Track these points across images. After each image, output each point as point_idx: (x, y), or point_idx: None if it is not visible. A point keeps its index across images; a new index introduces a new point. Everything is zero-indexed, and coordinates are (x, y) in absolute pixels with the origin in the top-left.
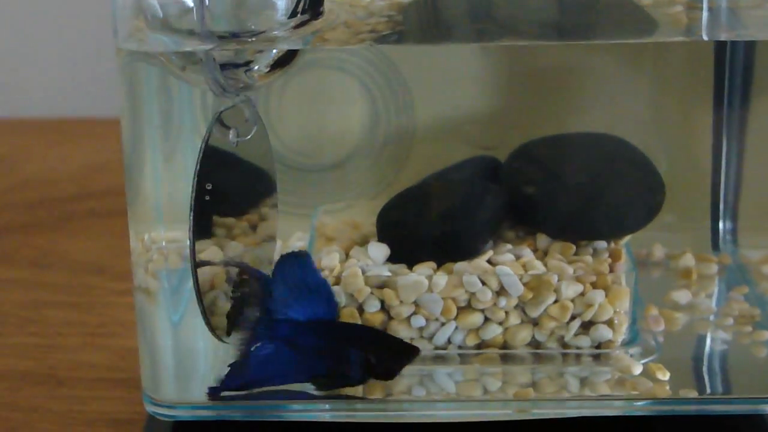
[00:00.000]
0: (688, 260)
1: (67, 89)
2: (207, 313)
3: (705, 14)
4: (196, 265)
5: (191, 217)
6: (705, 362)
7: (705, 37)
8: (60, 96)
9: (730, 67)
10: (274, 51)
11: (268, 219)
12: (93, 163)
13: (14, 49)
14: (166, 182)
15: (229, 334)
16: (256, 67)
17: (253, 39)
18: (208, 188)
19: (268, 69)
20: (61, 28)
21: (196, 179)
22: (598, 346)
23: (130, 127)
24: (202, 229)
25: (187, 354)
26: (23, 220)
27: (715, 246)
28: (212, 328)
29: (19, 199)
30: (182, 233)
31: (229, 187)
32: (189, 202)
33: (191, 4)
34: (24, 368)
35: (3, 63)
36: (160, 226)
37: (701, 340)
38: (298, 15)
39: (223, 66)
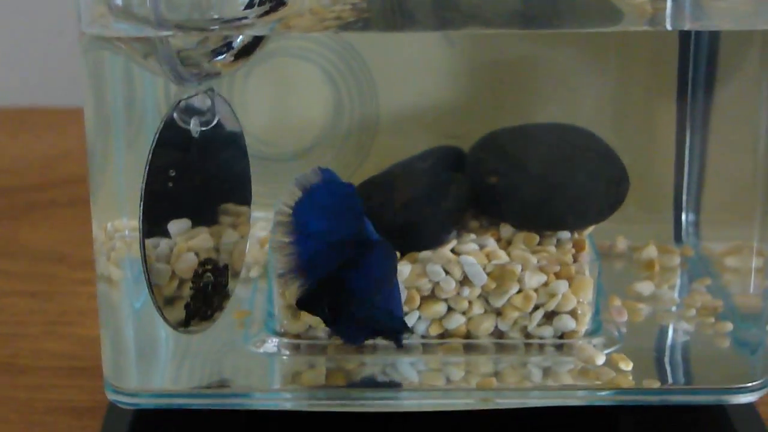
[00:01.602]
0: (651, 252)
1: (28, 79)
2: (160, 304)
3: (669, 4)
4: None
5: (141, 207)
6: (667, 353)
7: (669, 27)
8: (21, 86)
9: (694, 58)
10: (239, 39)
11: (238, 214)
12: (54, 152)
13: None
14: (129, 171)
15: (187, 325)
16: (222, 56)
17: (215, 27)
18: (172, 175)
19: (233, 58)
20: (22, 17)
21: (147, 168)
22: (561, 336)
23: (93, 115)
24: (160, 218)
25: (149, 342)
26: None
27: (678, 238)
28: (166, 318)
29: None
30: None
31: (191, 177)
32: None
33: None
34: None
35: None
36: (123, 215)
37: (664, 330)
38: (260, 4)
39: (185, 55)
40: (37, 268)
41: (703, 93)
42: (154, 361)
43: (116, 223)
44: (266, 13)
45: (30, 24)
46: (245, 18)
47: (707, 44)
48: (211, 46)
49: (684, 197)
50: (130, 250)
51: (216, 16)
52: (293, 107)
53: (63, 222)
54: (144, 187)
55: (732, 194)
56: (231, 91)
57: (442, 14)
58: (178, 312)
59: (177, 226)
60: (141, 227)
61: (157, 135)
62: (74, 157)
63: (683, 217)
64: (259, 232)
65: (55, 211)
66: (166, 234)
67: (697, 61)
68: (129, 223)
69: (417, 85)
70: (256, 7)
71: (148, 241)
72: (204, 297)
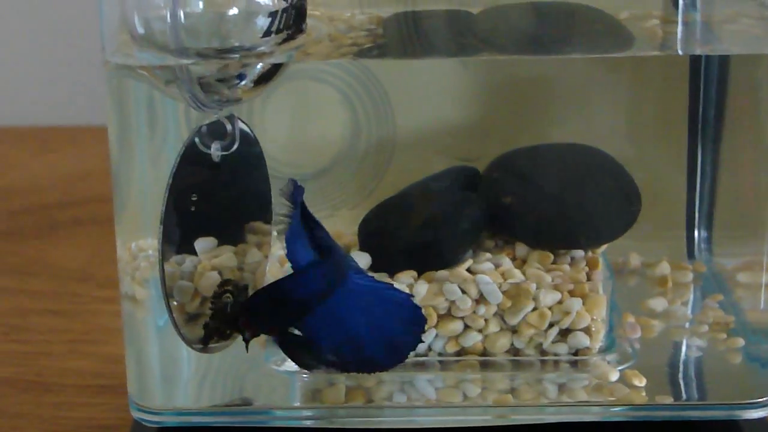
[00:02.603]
0: (664, 268)
1: (50, 98)
2: (180, 323)
3: (680, 28)
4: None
5: (160, 229)
6: (680, 369)
7: (680, 52)
8: (43, 104)
9: (705, 78)
10: (259, 66)
11: (261, 233)
12: (76, 171)
13: None
14: (152, 193)
15: (206, 344)
16: (242, 83)
17: (235, 55)
18: (194, 198)
19: (252, 84)
20: (45, 36)
21: (167, 191)
22: (576, 353)
23: (116, 139)
24: (183, 238)
25: (173, 361)
26: (7, 228)
27: (691, 254)
28: (184, 336)
29: (3, 207)
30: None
31: (213, 199)
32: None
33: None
34: (10, 375)
35: None
36: (147, 236)
37: (677, 347)
38: (278, 32)
39: (206, 82)
40: (62, 286)
41: (714, 111)
42: (178, 380)
43: (141, 243)
44: (285, 40)
45: (53, 42)
46: (266, 44)
47: (718, 63)
48: (231, 73)
49: (696, 214)
50: (154, 270)
51: (236, 44)
52: (311, 128)
53: (86, 240)
54: (164, 209)
55: (743, 211)
56: (251, 112)
57: (458, 40)
58: (198, 331)
59: (203, 244)
60: (160, 248)
61: (179, 159)
62: (96, 175)
63: (696, 233)
64: (280, 251)
65: (78, 229)
66: (191, 252)
67: (708, 80)
68: (153, 243)
69: (432, 107)
70: (274, 35)
71: (173, 259)
72: (223, 316)
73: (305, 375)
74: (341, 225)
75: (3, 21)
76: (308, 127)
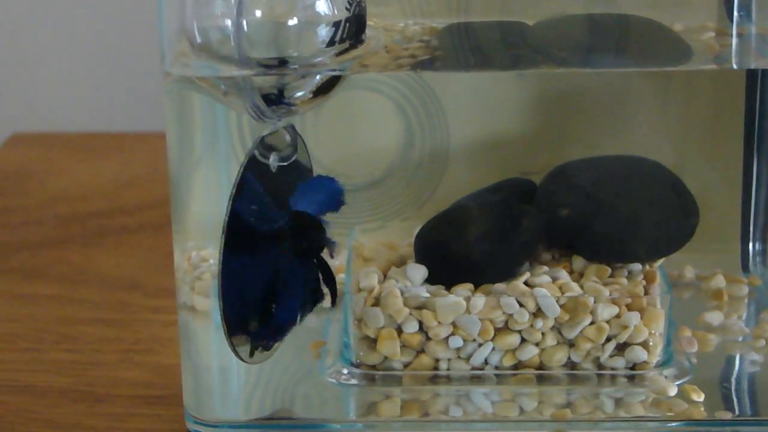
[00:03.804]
0: (720, 281)
1: (96, 104)
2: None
3: (735, 41)
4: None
5: (222, 240)
6: (736, 383)
7: (735, 66)
8: (89, 110)
9: (761, 90)
10: (318, 77)
11: None
12: (123, 177)
13: (44, 64)
14: (212, 201)
15: (251, 355)
16: (300, 93)
17: (294, 66)
18: (254, 209)
19: (312, 95)
20: (91, 43)
21: (230, 203)
22: (633, 368)
23: (176, 148)
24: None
25: (228, 373)
26: (56, 236)
27: (745, 267)
28: (234, 348)
29: (51, 215)
30: None
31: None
32: (222, 224)
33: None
34: (62, 385)
35: (32, 77)
36: (209, 245)
37: (733, 361)
38: (341, 41)
39: (266, 92)
40: (111, 295)
41: None
42: (233, 392)
43: (203, 253)
44: (344, 51)
45: (99, 48)
46: (324, 55)
47: None
48: (291, 83)
49: (751, 227)
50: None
51: (295, 54)
52: (365, 138)
53: (134, 248)
54: (227, 219)
55: None
56: (303, 122)
57: (513, 51)
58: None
59: None
60: (221, 258)
61: (242, 170)
62: (141, 182)
63: (750, 246)
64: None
65: (125, 237)
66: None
67: (764, 92)
68: (214, 253)
69: (487, 118)
70: (337, 44)
71: None
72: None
73: (361, 387)
74: (394, 236)
75: (53, 26)
76: (361, 137)
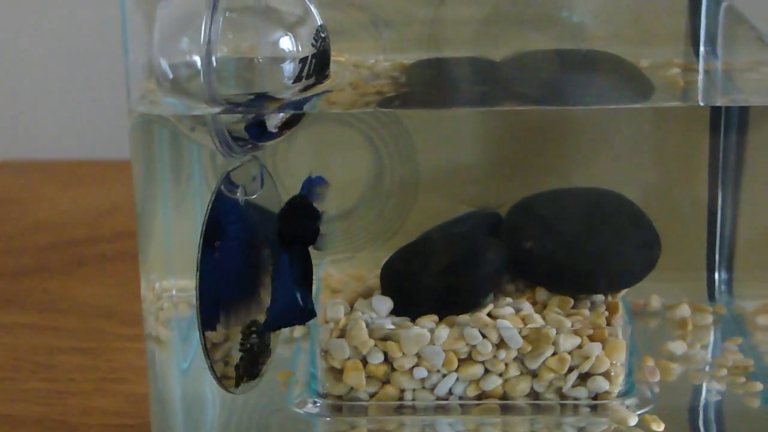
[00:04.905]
0: (685, 311)
1: (78, 131)
2: (214, 366)
3: (701, 78)
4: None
5: (197, 276)
6: (699, 413)
7: (701, 103)
8: (70, 138)
9: (725, 123)
10: (282, 114)
11: None
12: (103, 206)
13: (24, 91)
14: (176, 233)
15: (237, 385)
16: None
17: (259, 103)
18: (217, 245)
19: (276, 130)
20: (72, 70)
21: (201, 240)
22: (595, 397)
23: (141, 181)
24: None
25: (197, 402)
26: (35, 264)
27: (712, 296)
28: (219, 380)
29: (31, 243)
30: (191, 282)
31: (240, 243)
32: (196, 256)
33: (200, 67)
34: (37, 414)
35: (13, 105)
36: (171, 276)
37: (696, 390)
38: (305, 78)
39: (233, 128)
40: (87, 323)
41: (734, 154)
42: (202, 421)
43: (164, 283)
44: (310, 86)
45: (80, 76)
46: (289, 91)
47: (738, 112)
48: (258, 118)
49: (717, 256)
50: (176, 311)
51: (261, 91)
52: (335, 170)
53: (112, 277)
54: (200, 256)
55: (764, 253)
56: (275, 154)
57: (480, 88)
58: (230, 373)
59: None
60: (198, 294)
61: (210, 206)
62: (123, 210)
63: (716, 275)
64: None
65: (104, 265)
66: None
67: (729, 125)
68: (177, 283)
69: (455, 152)
70: (303, 80)
71: None
72: (250, 357)
73: (327, 418)
74: (364, 266)
75: (32, 55)
76: (332, 169)
